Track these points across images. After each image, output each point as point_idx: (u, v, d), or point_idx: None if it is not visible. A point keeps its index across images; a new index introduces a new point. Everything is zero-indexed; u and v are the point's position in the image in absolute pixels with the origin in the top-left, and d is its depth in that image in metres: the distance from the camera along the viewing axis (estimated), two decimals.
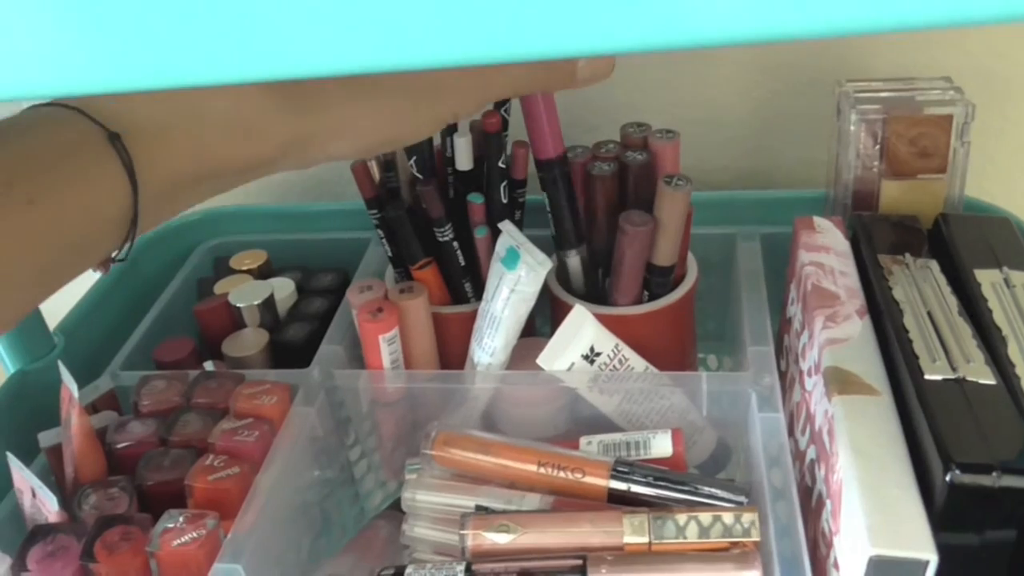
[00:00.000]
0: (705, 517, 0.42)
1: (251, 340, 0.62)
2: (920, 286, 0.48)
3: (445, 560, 0.43)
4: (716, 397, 0.51)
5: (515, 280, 0.51)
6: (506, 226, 0.53)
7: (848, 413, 0.42)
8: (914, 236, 0.53)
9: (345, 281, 0.67)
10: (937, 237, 0.53)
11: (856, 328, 0.47)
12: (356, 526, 0.56)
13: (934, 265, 0.50)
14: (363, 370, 0.55)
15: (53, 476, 0.52)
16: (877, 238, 0.52)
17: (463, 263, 0.57)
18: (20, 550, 0.44)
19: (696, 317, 0.60)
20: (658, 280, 0.54)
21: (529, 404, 0.54)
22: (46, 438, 0.52)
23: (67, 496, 0.49)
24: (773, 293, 0.57)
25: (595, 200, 0.54)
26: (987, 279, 0.47)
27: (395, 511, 0.53)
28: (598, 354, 0.52)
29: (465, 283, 0.58)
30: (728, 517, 0.42)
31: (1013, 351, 0.43)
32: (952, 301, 0.46)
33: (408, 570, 0.42)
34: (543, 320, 0.61)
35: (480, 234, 0.56)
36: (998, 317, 0.45)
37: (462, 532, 0.43)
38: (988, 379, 0.41)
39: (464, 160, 0.56)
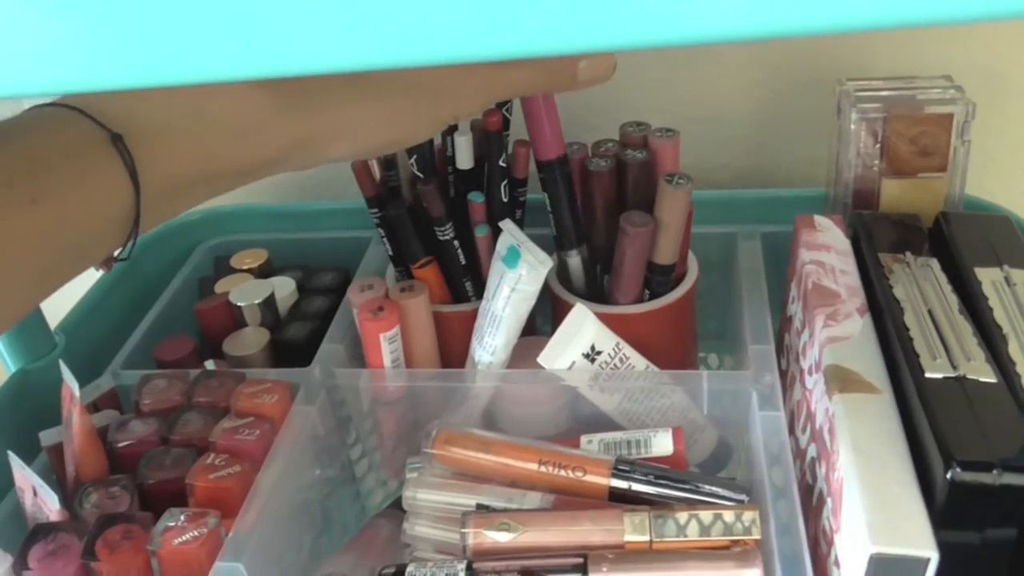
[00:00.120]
0: (706, 515, 0.42)
1: (252, 339, 0.62)
2: (921, 284, 0.48)
3: (446, 559, 0.43)
4: (717, 396, 0.51)
5: (516, 279, 0.51)
6: (507, 225, 0.53)
7: (849, 411, 0.42)
8: (915, 235, 0.53)
9: (346, 280, 0.67)
10: (938, 235, 0.53)
11: (857, 326, 0.47)
12: (357, 525, 0.57)
13: (935, 263, 0.50)
14: (364, 369, 0.55)
15: (54, 475, 0.52)
16: (878, 237, 0.52)
17: (464, 262, 0.57)
18: (21, 549, 0.45)
19: (697, 316, 0.60)
20: (659, 279, 0.54)
21: (530, 403, 0.54)
22: (47, 437, 0.52)
23: (68, 495, 0.49)
24: (774, 292, 0.57)
25: (593, 197, 0.54)
26: (987, 277, 0.47)
27: (396, 510, 0.53)
28: (599, 353, 0.52)
29: (466, 282, 0.58)
30: (729, 515, 0.42)
31: (1014, 349, 0.43)
32: (953, 299, 0.46)
33: (409, 568, 0.42)
34: (544, 319, 0.61)
35: (481, 233, 0.56)
36: (999, 315, 0.45)
37: (463, 531, 0.43)
38: (989, 377, 0.41)
39: (465, 159, 0.56)
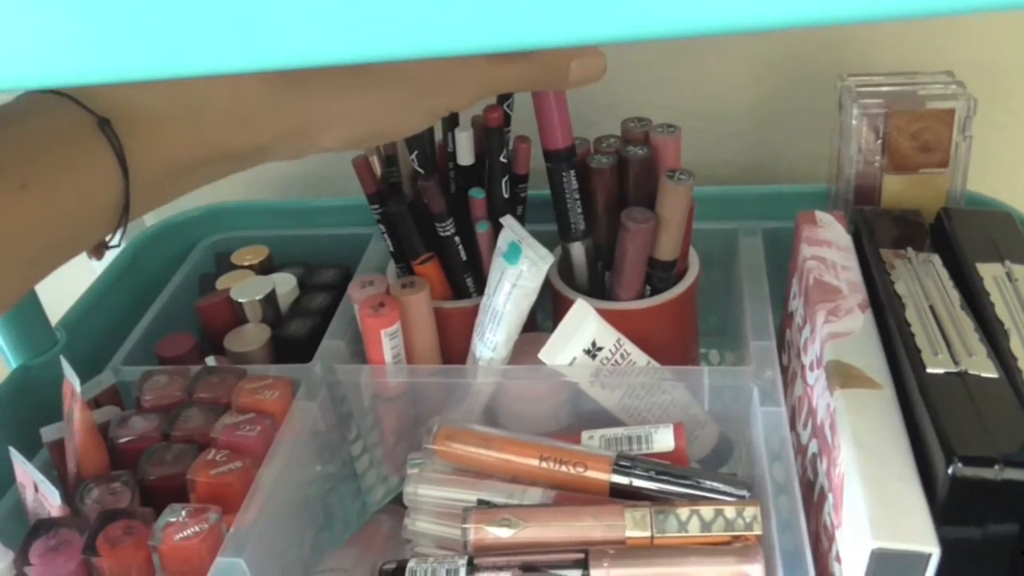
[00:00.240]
0: (707, 511, 0.42)
1: (253, 335, 0.62)
2: (922, 280, 0.48)
3: (447, 554, 0.43)
4: (718, 391, 0.51)
5: (517, 275, 0.51)
6: (508, 221, 0.53)
7: (850, 407, 0.42)
8: (916, 230, 0.53)
9: (347, 276, 0.67)
10: (939, 231, 0.53)
11: (858, 322, 0.47)
12: (358, 520, 0.57)
13: (936, 259, 0.49)
14: (365, 365, 0.55)
15: (55, 471, 0.52)
16: (879, 232, 0.52)
17: (465, 258, 0.57)
18: (23, 544, 0.45)
19: (698, 312, 0.60)
20: (660, 275, 0.54)
21: (531, 399, 0.54)
22: (48, 433, 0.52)
23: (69, 490, 0.49)
24: (775, 288, 0.57)
25: (594, 193, 0.54)
26: (989, 273, 0.47)
27: (397, 505, 0.53)
28: (600, 349, 0.52)
29: (467, 278, 0.58)
30: (730, 511, 0.42)
31: (1015, 344, 0.43)
32: (954, 295, 0.46)
33: (410, 564, 0.42)
34: (545, 315, 0.61)
35: (482, 229, 0.56)
36: (1000, 311, 0.45)
37: (464, 526, 0.43)
38: (990, 372, 0.41)
39: (466, 155, 0.56)
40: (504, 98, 0.55)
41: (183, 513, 0.44)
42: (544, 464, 0.46)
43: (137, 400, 0.54)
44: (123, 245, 0.72)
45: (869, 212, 0.55)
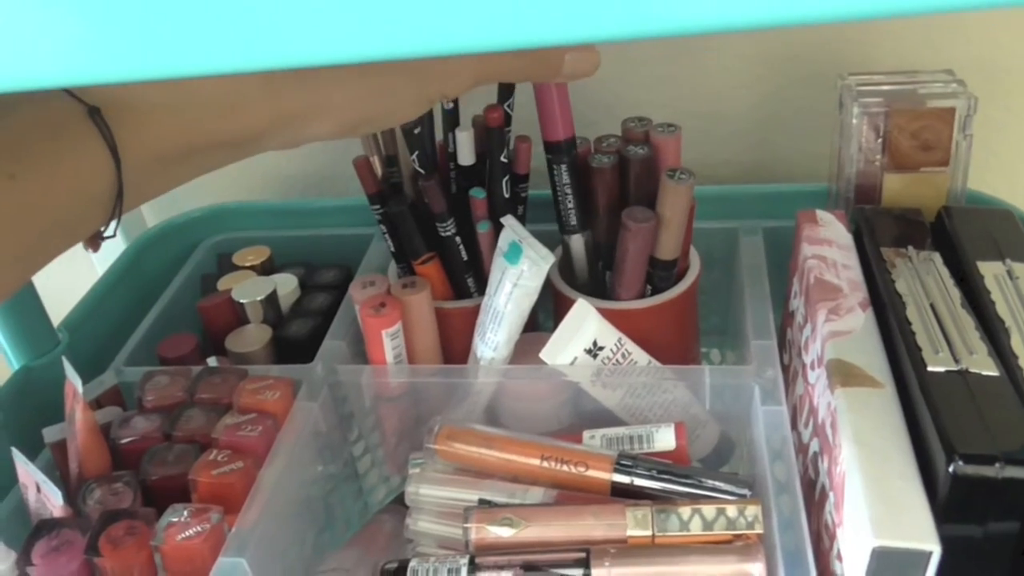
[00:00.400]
0: (708, 510, 0.42)
1: (254, 336, 0.62)
2: (923, 278, 0.48)
3: (449, 554, 0.43)
4: (719, 391, 0.51)
5: (518, 274, 0.51)
6: (508, 221, 0.53)
7: (851, 405, 0.42)
8: (917, 229, 0.53)
9: (348, 277, 0.67)
10: (940, 230, 0.53)
11: (859, 321, 0.47)
12: (360, 520, 0.57)
13: (937, 258, 0.49)
14: (366, 365, 0.55)
15: (58, 471, 0.52)
16: (880, 231, 0.52)
17: (465, 258, 0.57)
18: (25, 545, 0.45)
19: (699, 311, 0.60)
20: (661, 274, 0.54)
21: (532, 398, 0.54)
22: (51, 433, 0.52)
23: (71, 491, 0.49)
24: (776, 287, 0.57)
25: (596, 193, 0.55)
26: (990, 271, 0.47)
27: (399, 505, 0.53)
28: (601, 348, 0.52)
29: (468, 278, 0.58)
30: (731, 510, 0.42)
31: (1016, 343, 0.43)
32: (955, 293, 0.46)
33: (412, 564, 0.43)
34: (546, 315, 0.61)
35: (482, 229, 0.56)
36: (1001, 309, 0.45)
37: (465, 526, 0.43)
38: (991, 371, 0.41)
39: (466, 155, 0.56)
40: (504, 97, 0.55)
41: (185, 513, 0.44)
42: (545, 463, 0.46)
43: (139, 400, 0.54)
44: (121, 240, 0.72)
45: (870, 211, 0.55)
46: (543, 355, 0.52)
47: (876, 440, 0.40)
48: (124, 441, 0.51)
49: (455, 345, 0.58)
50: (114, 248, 0.71)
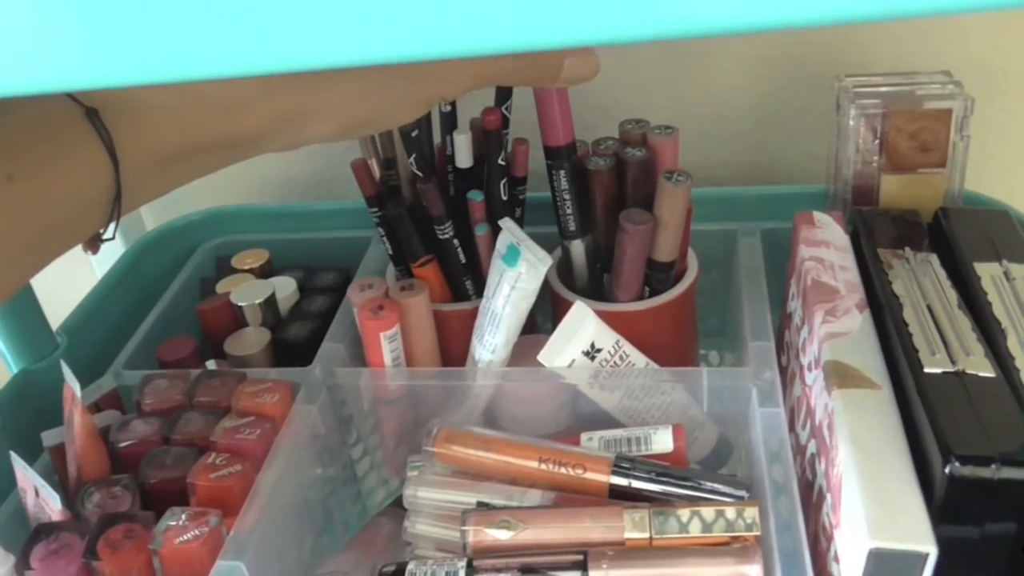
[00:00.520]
0: (706, 512, 0.42)
1: (253, 339, 0.62)
2: (920, 280, 0.48)
3: (447, 556, 0.43)
4: (717, 392, 0.51)
5: (516, 277, 0.51)
6: (506, 223, 0.53)
7: (848, 407, 0.42)
8: (914, 230, 0.53)
9: (347, 280, 0.67)
10: (937, 231, 0.53)
11: (856, 322, 0.47)
12: (359, 523, 0.57)
13: (934, 259, 0.50)
14: (364, 368, 0.55)
15: (56, 475, 0.52)
16: (877, 232, 0.53)
17: (464, 260, 0.57)
18: (24, 548, 0.45)
19: (697, 313, 0.60)
20: (659, 276, 0.54)
21: (530, 401, 0.54)
22: (49, 437, 0.52)
23: (70, 495, 0.49)
24: (774, 288, 0.57)
25: (593, 195, 0.55)
26: (987, 272, 0.47)
27: (397, 508, 0.53)
28: (599, 350, 0.52)
29: (466, 280, 0.58)
30: (729, 512, 0.42)
31: (1013, 344, 0.43)
32: (952, 294, 0.46)
33: (409, 567, 0.43)
34: (544, 317, 0.61)
35: (480, 231, 0.56)
36: (998, 310, 0.45)
37: (463, 528, 0.43)
38: (988, 372, 0.41)
39: (464, 158, 0.56)
40: (502, 100, 0.55)
41: (183, 516, 0.45)
42: (543, 466, 0.46)
43: (137, 404, 0.54)
44: (120, 243, 0.72)
45: (867, 212, 0.55)
46: (541, 357, 0.52)
47: (873, 441, 0.40)
48: (123, 444, 0.51)
49: (453, 348, 0.58)
50: (113, 251, 0.71)
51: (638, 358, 0.53)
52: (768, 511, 0.43)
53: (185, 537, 0.43)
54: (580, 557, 0.41)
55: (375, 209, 0.57)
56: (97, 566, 0.44)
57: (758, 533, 0.41)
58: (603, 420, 0.52)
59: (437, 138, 0.57)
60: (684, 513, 0.42)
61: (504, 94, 0.55)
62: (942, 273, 0.48)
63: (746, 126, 0.74)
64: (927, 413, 0.39)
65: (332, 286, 0.68)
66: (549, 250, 0.52)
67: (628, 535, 0.42)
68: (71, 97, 0.36)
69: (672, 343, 0.57)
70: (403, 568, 0.43)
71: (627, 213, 0.52)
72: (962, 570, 0.38)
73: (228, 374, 0.55)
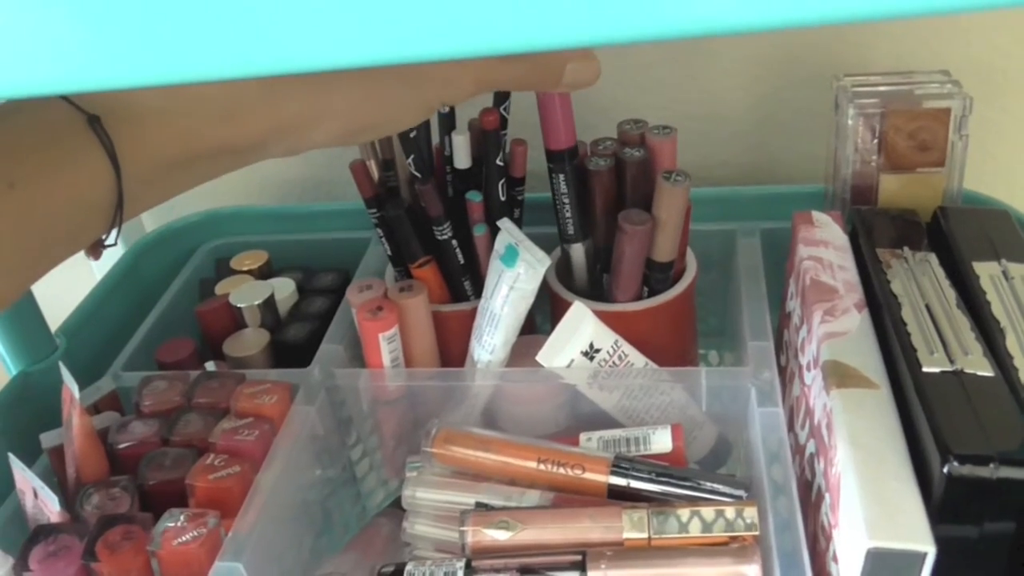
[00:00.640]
0: (705, 512, 0.42)
1: (252, 340, 0.62)
2: (918, 279, 0.48)
3: (445, 557, 0.43)
4: (716, 392, 0.51)
5: (514, 277, 0.51)
6: (505, 224, 0.53)
7: (846, 406, 0.42)
8: (913, 229, 0.53)
9: (346, 281, 0.67)
10: (936, 230, 0.53)
11: (855, 322, 0.47)
12: (359, 524, 0.57)
13: (933, 258, 0.49)
14: (363, 369, 0.55)
15: (55, 476, 0.52)
16: (876, 232, 0.52)
17: (462, 261, 0.57)
18: (22, 550, 0.45)
19: (697, 313, 0.60)
20: (657, 276, 0.54)
21: (529, 401, 0.54)
22: (48, 439, 0.52)
23: (69, 496, 0.49)
24: (773, 288, 0.57)
25: (592, 196, 0.55)
26: (985, 271, 0.47)
27: (397, 509, 0.53)
28: (597, 351, 0.52)
29: (464, 281, 0.58)
30: (728, 512, 0.42)
31: (1011, 343, 0.43)
32: (950, 294, 0.46)
33: (408, 567, 0.43)
34: (543, 317, 0.61)
35: (479, 232, 0.56)
36: (996, 309, 0.45)
37: (462, 529, 0.43)
38: (986, 371, 0.41)
39: (462, 158, 0.56)
40: (501, 101, 0.55)
41: (182, 518, 0.45)
42: (542, 466, 0.46)
43: (136, 405, 0.54)
44: (120, 246, 0.72)
45: (866, 212, 0.55)
46: (540, 358, 0.52)
47: (871, 441, 0.40)
48: (122, 446, 0.51)
49: (452, 348, 0.58)
50: (112, 253, 0.71)
51: (637, 358, 0.53)
52: (767, 511, 0.43)
53: (184, 538, 0.43)
54: (579, 557, 0.41)
55: (374, 210, 0.57)
56: (96, 567, 0.44)
57: (757, 533, 0.41)
58: (602, 420, 0.52)
59: (435, 139, 0.57)
60: (684, 513, 0.42)
61: (502, 95, 0.55)
62: (941, 272, 0.48)
63: (745, 126, 0.74)
64: (925, 412, 0.39)
65: (331, 287, 0.68)
66: (548, 250, 0.52)
67: (627, 535, 0.42)
68: (73, 104, 0.36)
69: (671, 343, 0.57)
70: (402, 569, 0.43)
71: (626, 213, 0.52)
72: (961, 569, 0.38)
73: (227, 375, 0.55)
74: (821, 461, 0.44)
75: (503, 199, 0.56)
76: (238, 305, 0.64)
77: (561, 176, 0.54)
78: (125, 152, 0.36)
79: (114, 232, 0.38)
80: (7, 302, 0.36)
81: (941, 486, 0.37)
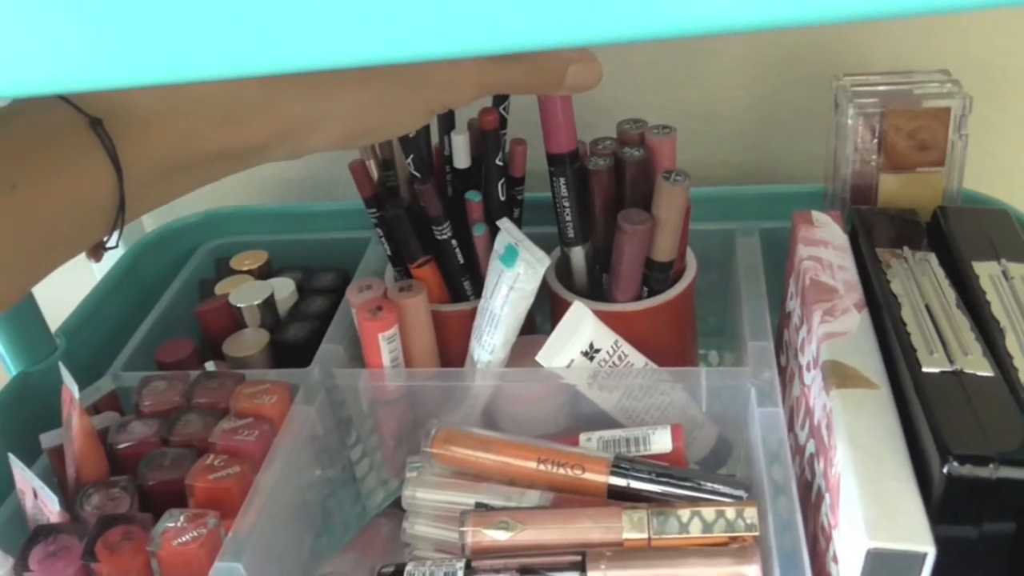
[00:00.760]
0: (705, 512, 0.42)
1: (252, 340, 0.62)
2: (918, 279, 0.48)
3: (445, 557, 0.43)
4: (716, 392, 0.51)
5: (514, 277, 0.51)
6: (504, 224, 0.53)
7: (846, 406, 0.42)
8: (912, 229, 0.53)
9: (345, 281, 0.67)
10: (935, 230, 0.53)
11: (854, 322, 0.47)
12: (358, 524, 0.57)
13: (932, 258, 0.49)
14: (363, 369, 0.55)
15: (55, 477, 0.52)
16: (875, 232, 0.52)
17: (462, 261, 0.57)
18: (22, 550, 0.45)
19: (696, 313, 0.60)
20: (657, 276, 0.54)
21: (529, 401, 0.54)
22: (48, 439, 0.52)
23: (69, 496, 0.49)
24: (773, 288, 0.57)
25: (592, 196, 0.55)
26: (985, 271, 0.47)
27: (397, 509, 0.53)
28: (597, 351, 0.52)
29: (464, 281, 0.58)
30: (728, 512, 0.42)
31: (1011, 343, 0.43)
32: (950, 294, 0.46)
33: (408, 568, 0.43)
34: (543, 317, 0.61)
35: (478, 232, 0.56)
36: (996, 309, 0.45)
37: (462, 529, 0.43)
38: (986, 371, 0.41)
39: (462, 158, 0.56)
40: (500, 101, 0.55)
41: (182, 518, 0.44)
42: (542, 466, 0.46)
43: (136, 406, 0.54)
44: (121, 247, 0.72)
45: (865, 211, 0.55)
46: (539, 358, 0.52)
47: (871, 441, 0.40)
48: (121, 446, 0.51)
49: (452, 348, 0.58)
50: (112, 253, 0.71)
51: (637, 358, 0.53)
52: (767, 511, 0.43)
53: (183, 539, 0.43)
54: (578, 558, 0.41)
55: (373, 210, 0.57)
56: (95, 568, 0.44)
57: (757, 533, 0.41)
58: (602, 420, 0.52)
59: (435, 139, 0.57)
60: (684, 513, 0.42)
61: (502, 95, 0.55)
62: (940, 272, 0.48)
63: (744, 125, 0.74)
64: (925, 413, 0.39)
65: (331, 287, 0.68)
66: (547, 250, 0.51)
67: (627, 535, 0.42)
68: (75, 107, 0.36)
69: (671, 343, 0.57)
70: (402, 569, 0.43)
71: (625, 213, 0.52)
72: (961, 570, 0.38)
73: (227, 375, 0.55)
74: (821, 461, 0.44)
75: (503, 199, 0.56)
76: (238, 305, 0.64)
77: (562, 180, 0.54)
78: (127, 155, 0.36)
79: (115, 234, 0.38)
80: (8, 304, 0.36)
81: (941, 486, 0.37)
